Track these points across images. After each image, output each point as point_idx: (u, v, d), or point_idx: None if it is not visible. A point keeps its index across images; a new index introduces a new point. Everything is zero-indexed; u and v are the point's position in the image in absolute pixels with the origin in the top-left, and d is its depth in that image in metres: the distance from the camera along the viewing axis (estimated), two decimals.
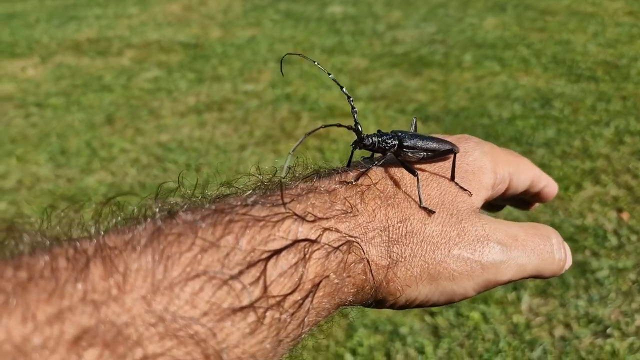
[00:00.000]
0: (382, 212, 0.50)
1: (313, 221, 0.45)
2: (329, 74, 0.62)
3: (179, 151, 3.70)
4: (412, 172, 0.54)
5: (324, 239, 0.44)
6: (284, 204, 0.44)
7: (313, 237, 0.44)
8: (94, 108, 4.48)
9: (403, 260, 0.49)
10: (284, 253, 0.41)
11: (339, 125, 0.61)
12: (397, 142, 0.59)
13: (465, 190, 0.56)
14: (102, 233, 0.38)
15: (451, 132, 3.70)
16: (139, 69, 5.29)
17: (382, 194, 0.52)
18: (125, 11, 7.50)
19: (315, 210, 0.46)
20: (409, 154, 0.59)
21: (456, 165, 0.58)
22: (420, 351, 2.11)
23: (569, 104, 4.10)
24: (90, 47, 6.00)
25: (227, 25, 6.64)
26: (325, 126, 0.63)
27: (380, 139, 0.58)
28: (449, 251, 0.50)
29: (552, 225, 2.70)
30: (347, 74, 4.92)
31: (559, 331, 2.17)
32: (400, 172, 0.56)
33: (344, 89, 0.60)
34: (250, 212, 0.43)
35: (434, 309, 2.26)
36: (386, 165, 0.57)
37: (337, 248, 0.45)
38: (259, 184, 0.50)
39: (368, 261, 0.47)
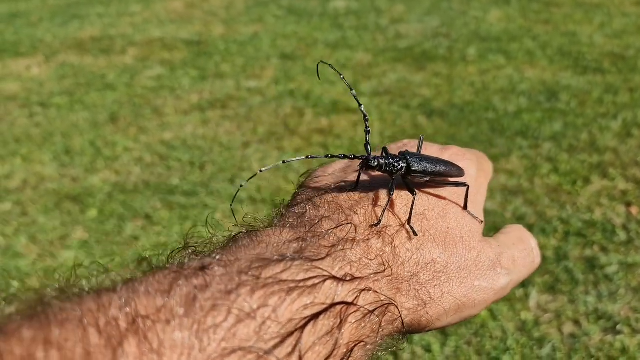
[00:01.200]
0: (413, 260, 0.52)
1: (350, 281, 0.45)
2: (351, 89, 0.62)
3: (183, 149, 3.69)
4: (411, 191, 0.56)
5: (360, 301, 0.44)
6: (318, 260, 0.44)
7: (350, 299, 0.44)
8: (97, 107, 4.47)
9: (433, 300, 0.52)
10: (321, 318, 0.41)
11: (330, 156, 0.59)
12: (405, 165, 0.58)
13: (476, 218, 0.60)
14: (132, 295, 0.36)
15: (456, 127, 3.68)
16: (142, 67, 5.28)
17: (409, 238, 0.53)
18: (128, 9, 7.48)
19: (352, 270, 0.46)
20: (417, 177, 0.59)
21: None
22: (427, 349, 2.09)
23: (575, 96, 4.06)
24: (94, 46, 5.99)
25: (229, 22, 6.61)
26: (329, 156, 0.61)
27: (387, 162, 0.58)
28: (472, 283, 0.55)
29: (560, 220, 2.68)
30: (350, 69, 4.88)
31: (568, 328, 2.15)
32: (423, 206, 0.57)
33: (362, 107, 0.61)
34: (287, 272, 0.41)
35: None
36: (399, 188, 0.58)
37: (372, 312, 0.45)
38: (287, 220, 0.50)
39: (401, 313, 0.49)
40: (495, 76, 4.52)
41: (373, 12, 6.63)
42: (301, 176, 0.65)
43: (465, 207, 0.60)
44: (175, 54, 5.58)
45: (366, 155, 0.58)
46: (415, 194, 0.55)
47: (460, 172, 0.62)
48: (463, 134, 3.62)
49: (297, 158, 0.60)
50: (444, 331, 2.16)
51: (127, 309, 0.35)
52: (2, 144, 3.92)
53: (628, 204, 2.82)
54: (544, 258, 2.49)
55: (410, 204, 0.55)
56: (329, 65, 0.65)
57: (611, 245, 2.53)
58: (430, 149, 0.66)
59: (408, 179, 0.59)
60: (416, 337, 2.13)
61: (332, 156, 0.57)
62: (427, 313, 0.51)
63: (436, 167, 0.60)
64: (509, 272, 0.58)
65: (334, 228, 0.49)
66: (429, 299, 0.51)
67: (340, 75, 0.64)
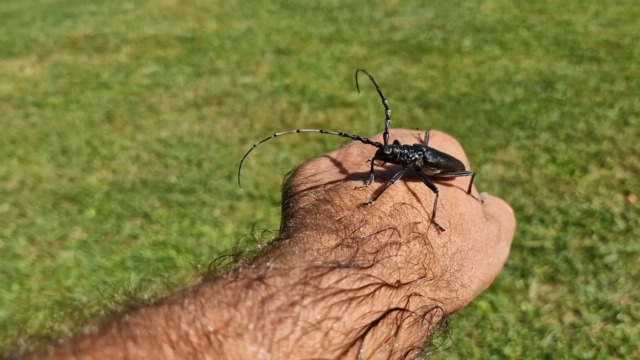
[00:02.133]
0: (446, 256, 0.54)
1: (400, 287, 0.46)
2: (383, 99, 0.63)
3: (180, 147, 3.68)
4: (433, 188, 0.57)
5: (411, 306, 0.46)
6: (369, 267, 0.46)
7: (402, 305, 0.45)
8: (92, 106, 4.45)
9: (464, 288, 0.55)
10: (379, 325, 0.42)
11: (343, 135, 0.61)
12: (420, 157, 0.59)
13: (478, 199, 0.62)
14: (199, 309, 0.37)
15: (453, 119, 3.68)
16: (137, 65, 5.25)
17: (437, 234, 0.55)
18: (121, 7, 7.44)
19: (400, 276, 0.47)
20: (430, 170, 0.60)
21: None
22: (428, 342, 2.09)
23: (571, 86, 4.06)
24: (87, 44, 5.96)
25: (223, 18, 6.58)
26: (342, 134, 0.61)
27: (402, 151, 0.58)
28: (488, 261, 0.58)
29: (559, 210, 2.69)
30: (345, 63, 4.87)
31: (569, 318, 2.15)
32: (452, 203, 0.59)
33: (388, 111, 0.62)
34: (344, 282, 0.42)
35: None
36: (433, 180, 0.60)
37: (423, 317, 0.47)
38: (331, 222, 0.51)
39: (444, 312, 0.51)
40: (490, 67, 4.51)
41: (367, 4, 6.60)
42: (286, 175, 0.64)
43: (469, 192, 0.62)
44: (169, 51, 5.56)
45: (380, 143, 0.58)
46: (438, 191, 0.56)
47: (464, 168, 0.63)
48: (460, 126, 3.61)
49: (312, 130, 0.60)
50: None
51: (197, 324, 0.35)
52: None
53: (626, 193, 2.82)
54: (543, 248, 2.49)
55: (434, 202, 0.56)
56: (369, 76, 0.68)
57: (610, 235, 2.54)
58: (410, 137, 0.67)
59: (422, 171, 0.59)
60: None
61: (346, 135, 0.59)
62: (459, 299, 0.54)
63: (448, 162, 0.61)
64: (507, 241, 0.65)
65: (375, 233, 0.50)
66: (461, 286, 0.54)
67: (377, 87, 0.65)
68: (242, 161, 0.72)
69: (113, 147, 3.75)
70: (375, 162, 0.59)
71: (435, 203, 0.55)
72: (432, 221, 0.54)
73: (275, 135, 0.63)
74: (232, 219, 2.89)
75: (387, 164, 0.62)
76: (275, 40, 5.63)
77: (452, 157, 0.63)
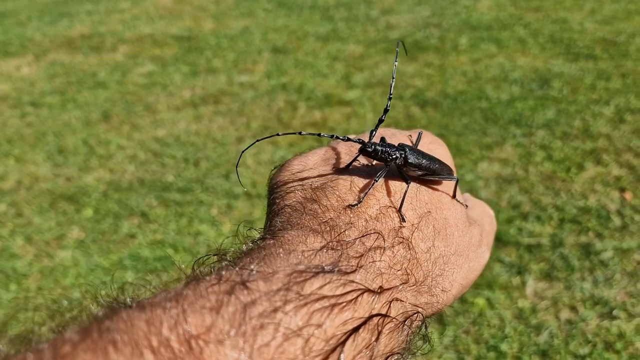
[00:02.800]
0: (429, 261, 0.54)
1: (381, 293, 0.46)
2: (391, 93, 0.66)
3: (177, 146, 3.68)
4: (406, 180, 0.57)
5: (392, 312, 0.46)
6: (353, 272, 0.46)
7: (384, 310, 0.45)
8: (89, 105, 4.45)
9: (445, 292, 0.55)
10: (360, 331, 0.42)
11: (320, 135, 0.63)
12: (402, 156, 0.58)
13: (462, 203, 0.63)
14: (181, 313, 0.37)
15: (450, 117, 3.68)
16: (133, 64, 5.25)
17: (422, 239, 0.54)
18: (117, 6, 7.43)
19: (382, 281, 0.47)
20: (412, 170, 0.59)
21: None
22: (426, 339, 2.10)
23: (567, 83, 4.07)
24: (83, 44, 5.94)
25: (219, 17, 6.58)
26: (321, 135, 0.63)
27: (383, 149, 0.58)
28: (468, 266, 0.59)
29: (555, 207, 2.69)
30: (342, 61, 4.87)
31: (565, 314, 2.17)
32: (424, 200, 0.58)
33: (389, 104, 0.64)
34: (326, 287, 0.42)
35: None
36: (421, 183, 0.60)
37: (403, 322, 0.47)
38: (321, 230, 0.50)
39: (424, 317, 0.52)
40: (487, 65, 4.52)
41: (363, 3, 6.61)
42: (273, 169, 0.64)
43: (453, 196, 0.62)
44: (166, 50, 5.55)
45: (363, 140, 0.58)
46: (410, 183, 0.56)
47: (450, 171, 0.63)
48: (456, 124, 3.62)
49: (291, 132, 0.61)
50: (442, 321, 2.18)
51: (179, 329, 0.35)
52: None
53: (622, 190, 2.84)
54: (539, 245, 2.50)
55: (403, 193, 0.56)
56: (404, 48, 0.72)
57: (606, 231, 2.55)
58: (400, 136, 0.68)
59: (403, 170, 0.59)
60: None
61: (323, 135, 0.61)
62: (439, 303, 0.54)
63: (432, 164, 0.60)
64: (488, 245, 0.66)
65: (360, 237, 0.50)
66: (442, 291, 0.54)
67: (396, 63, 0.66)
68: (239, 159, 0.72)
69: (110, 147, 3.75)
70: (364, 159, 0.60)
71: (405, 194, 0.55)
72: (398, 210, 0.54)
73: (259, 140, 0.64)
74: (230, 218, 2.90)
75: (375, 162, 0.62)
76: (271, 39, 5.62)
77: (437, 159, 0.62)
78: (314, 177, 0.58)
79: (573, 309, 2.19)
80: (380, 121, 0.61)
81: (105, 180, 3.35)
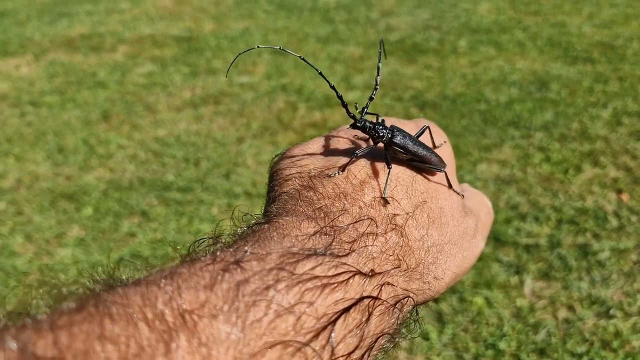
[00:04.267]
0: (422, 248, 0.55)
1: (373, 276, 0.47)
2: (379, 68, 0.67)
3: (177, 146, 3.69)
4: (388, 163, 0.57)
5: (383, 295, 0.47)
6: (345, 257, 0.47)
7: (375, 293, 0.46)
8: (89, 105, 4.46)
9: (437, 280, 0.56)
10: (351, 311, 0.43)
11: (320, 73, 0.65)
12: (388, 135, 0.60)
13: (459, 193, 0.63)
14: (176, 289, 0.38)
15: (449, 119, 3.70)
16: (133, 64, 5.26)
17: (415, 227, 0.55)
18: (117, 6, 7.44)
19: (374, 265, 0.49)
20: (397, 152, 0.60)
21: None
22: (425, 337, 2.11)
23: (565, 86, 4.09)
24: (83, 44, 5.95)
25: (219, 18, 6.59)
26: (319, 72, 0.66)
27: (372, 125, 0.61)
28: (462, 255, 0.60)
29: (553, 208, 2.71)
30: (342, 63, 4.89)
31: (563, 313, 2.18)
32: (420, 189, 0.59)
33: (378, 78, 0.66)
34: (319, 268, 0.43)
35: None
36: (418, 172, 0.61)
37: (394, 305, 0.48)
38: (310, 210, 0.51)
39: (415, 302, 0.53)
40: (486, 67, 4.55)
41: (363, 5, 6.63)
42: (275, 156, 0.65)
43: (449, 186, 0.62)
44: (166, 51, 5.57)
45: (353, 114, 0.62)
46: (391, 167, 0.57)
47: (441, 163, 0.63)
48: (455, 125, 3.64)
49: (294, 53, 0.62)
50: (441, 319, 2.19)
51: (173, 304, 0.36)
52: None
53: (619, 191, 2.86)
54: (537, 246, 2.52)
55: (387, 176, 0.57)
56: (381, 40, 0.72)
57: (603, 232, 2.57)
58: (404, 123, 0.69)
59: (389, 151, 0.60)
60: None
61: (323, 77, 0.63)
62: (431, 290, 0.55)
63: (417, 148, 0.60)
64: (483, 236, 0.66)
65: (354, 222, 0.51)
66: (434, 279, 0.55)
67: (380, 53, 0.69)
68: (232, 62, 0.74)
69: (110, 146, 3.76)
70: (365, 147, 0.61)
71: (387, 178, 0.56)
72: (381, 196, 0.55)
73: (258, 47, 0.66)
74: (230, 217, 2.90)
75: (371, 142, 0.64)
76: (272, 40, 5.64)
77: (428, 147, 0.63)
78: (313, 165, 0.59)
79: (570, 308, 2.21)
80: (367, 105, 0.64)
81: (105, 180, 3.36)
